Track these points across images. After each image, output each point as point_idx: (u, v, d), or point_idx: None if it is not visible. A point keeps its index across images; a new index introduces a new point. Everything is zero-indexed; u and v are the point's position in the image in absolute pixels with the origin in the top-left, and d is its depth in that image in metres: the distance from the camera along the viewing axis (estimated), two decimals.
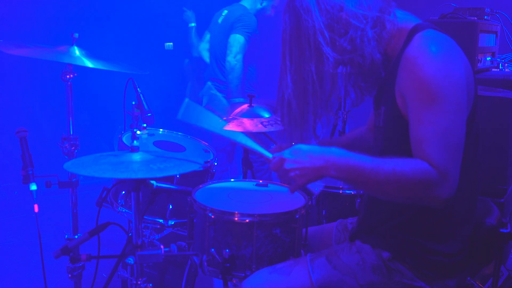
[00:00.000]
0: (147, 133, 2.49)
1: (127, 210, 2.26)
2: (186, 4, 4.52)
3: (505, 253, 2.69)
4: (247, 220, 1.70)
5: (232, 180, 2.15)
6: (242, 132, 1.81)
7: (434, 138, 1.35)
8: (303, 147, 1.51)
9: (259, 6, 3.98)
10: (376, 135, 1.67)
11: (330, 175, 1.46)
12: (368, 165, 1.40)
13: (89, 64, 2.13)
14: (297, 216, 1.75)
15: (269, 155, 1.65)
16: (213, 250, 1.71)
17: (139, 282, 1.78)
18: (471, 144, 1.43)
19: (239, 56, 3.82)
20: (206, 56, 4.29)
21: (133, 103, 2.32)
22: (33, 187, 2.00)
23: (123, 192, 2.30)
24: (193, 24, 4.40)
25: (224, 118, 2.16)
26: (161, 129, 2.68)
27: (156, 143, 2.53)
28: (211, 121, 1.80)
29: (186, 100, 1.72)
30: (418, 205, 1.50)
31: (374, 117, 1.66)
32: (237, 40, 3.82)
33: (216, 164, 2.42)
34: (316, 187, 1.85)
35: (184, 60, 4.68)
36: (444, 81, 1.36)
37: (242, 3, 4.00)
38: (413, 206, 1.51)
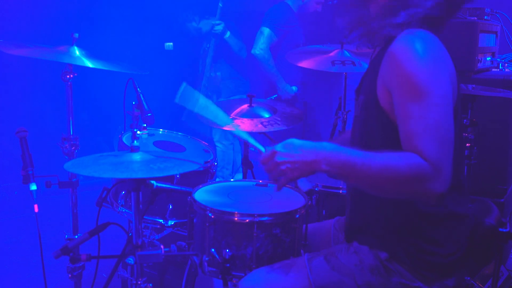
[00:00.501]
0: (147, 133, 2.49)
1: (127, 210, 2.26)
2: (187, 5, 4.51)
3: (505, 253, 2.69)
4: (247, 220, 1.70)
5: (232, 180, 2.15)
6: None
7: (425, 132, 1.35)
8: (296, 141, 1.50)
9: (301, 2, 4.01)
10: (354, 125, 1.68)
11: (322, 170, 1.45)
12: (359, 159, 1.39)
13: (89, 64, 2.13)
14: (297, 216, 1.75)
15: (262, 148, 1.64)
16: (213, 250, 1.71)
17: (139, 282, 1.78)
18: (456, 142, 1.44)
19: (263, 46, 3.84)
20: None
21: (133, 103, 2.32)
22: (33, 187, 2.00)
23: (123, 192, 2.30)
24: (228, 34, 4.24)
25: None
26: (161, 129, 2.68)
27: (156, 143, 2.54)
28: (207, 108, 1.78)
29: (184, 84, 1.70)
30: (413, 206, 1.50)
31: (354, 108, 1.67)
32: (261, 33, 3.87)
33: (216, 164, 2.42)
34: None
35: (216, 73, 4.44)
36: (430, 75, 1.37)
37: (286, 1, 4.02)
38: (410, 206, 1.51)
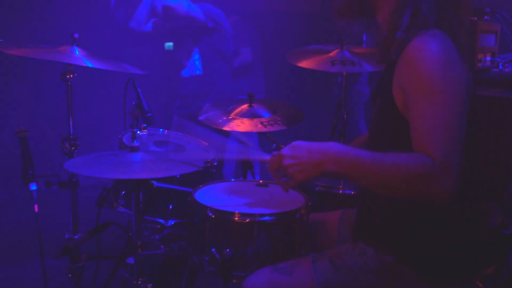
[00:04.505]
0: (147, 133, 2.49)
1: (127, 210, 2.26)
2: None
3: (506, 254, 2.69)
4: (247, 220, 1.70)
5: (232, 180, 2.16)
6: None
7: (435, 131, 1.35)
8: (302, 143, 1.50)
9: None
10: (371, 128, 1.68)
11: (330, 170, 1.45)
12: (368, 158, 1.39)
13: (89, 64, 2.13)
14: (297, 216, 1.75)
15: (267, 156, 1.64)
16: (213, 250, 1.71)
17: (139, 282, 1.78)
18: (469, 145, 1.43)
19: None
20: None
21: (133, 103, 2.32)
22: (33, 187, 2.00)
23: (123, 192, 2.30)
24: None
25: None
26: (161, 129, 2.68)
27: (156, 143, 2.53)
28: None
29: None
30: (422, 209, 1.49)
31: (372, 111, 1.66)
32: None
33: (216, 164, 2.42)
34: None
35: None
36: (444, 75, 1.37)
37: None
38: (416, 209, 1.50)
